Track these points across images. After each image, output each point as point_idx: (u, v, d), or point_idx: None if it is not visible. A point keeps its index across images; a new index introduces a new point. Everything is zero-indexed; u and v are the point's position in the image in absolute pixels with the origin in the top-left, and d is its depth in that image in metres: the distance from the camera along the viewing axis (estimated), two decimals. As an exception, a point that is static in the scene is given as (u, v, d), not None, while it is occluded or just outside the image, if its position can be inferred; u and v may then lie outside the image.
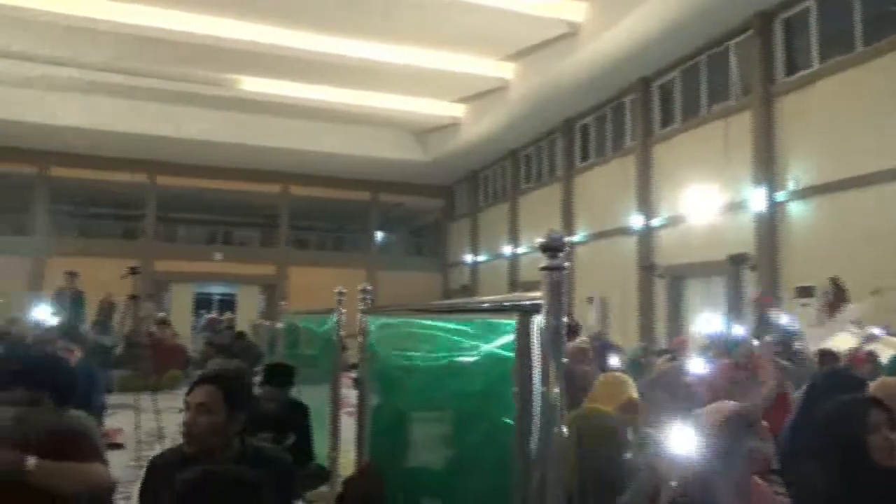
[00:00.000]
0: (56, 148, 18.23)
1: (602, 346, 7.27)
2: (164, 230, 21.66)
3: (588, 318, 13.08)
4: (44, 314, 9.47)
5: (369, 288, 3.38)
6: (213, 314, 18.57)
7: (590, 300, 13.83)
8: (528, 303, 1.53)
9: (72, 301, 11.68)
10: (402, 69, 13.37)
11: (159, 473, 2.17)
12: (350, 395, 3.68)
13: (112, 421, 6.61)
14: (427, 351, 2.40)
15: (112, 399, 7.31)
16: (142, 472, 4.53)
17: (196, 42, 12.15)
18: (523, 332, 1.57)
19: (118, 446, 5.74)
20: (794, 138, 9.49)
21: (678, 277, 11.95)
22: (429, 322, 2.41)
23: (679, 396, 4.11)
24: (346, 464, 3.67)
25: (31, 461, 1.86)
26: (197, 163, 19.49)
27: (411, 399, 2.61)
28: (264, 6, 11.33)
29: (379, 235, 24.01)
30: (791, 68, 9.76)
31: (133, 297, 6.22)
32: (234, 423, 2.18)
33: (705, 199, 10.82)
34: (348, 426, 3.69)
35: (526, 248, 16.93)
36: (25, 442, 1.97)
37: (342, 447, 3.84)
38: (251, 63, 13.42)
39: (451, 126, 16.96)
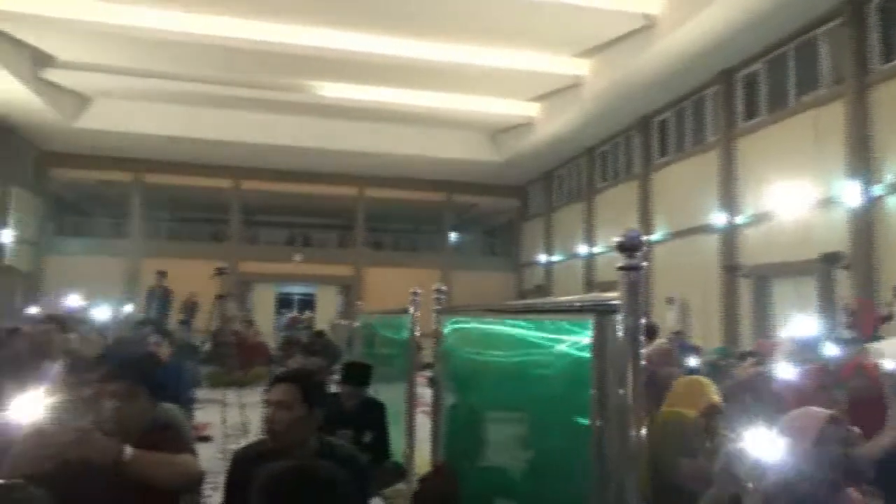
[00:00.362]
0: (150, 156, 19.34)
1: (679, 348, 7.06)
2: (248, 233, 22.58)
3: (667, 319, 12.70)
4: (103, 314, 9.88)
5: (443, 288, 3.41)
6: (294, 313, 19.14)
7: (669, 301, 13.41)
8: (604, 303, 1.51)
9: (160, 299, 12.37)
10: (476, 69, 13.41)
11: (242, 466, 2.27)
12: (425, 394, 3.72)
13: (201, 415, 6.93)
14: (501, 351, 2.39)
15: (200, 394, 7.67)
16: (228, 465, 4.72)
17: (277, 51, 12.59)
18: (600, 334, 1.55)
19: (206, 439, 6.00)
20: (891, 128, 8.89)
21: (764, 278, 11.42)
22: (503, 322, 2.40)
23: (766, 402, 3.93)
24: (422, 462, 3.71)
25: (129, 451, 1.98)
26: (278, 167, 20.21)
27: (486, 399, 2.61)
28: (341, 12, 11.60)
29: (453, 236, 24.14)
30: (887, 55, 9.16)
31: (220, 297, 6.49)
32: (313, 419, 2.25)
33: (794, 195, 10.29)
34: (423, 425, 3.72)
35: (602, 248, 16.61)
36: (124, 433, 2.10)
37: (418, 445, 3.88)
38: (329, 69, 13.78)
39: (525, 125, 16.85)
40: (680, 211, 13.72)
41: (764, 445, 2.01)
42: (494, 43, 12.51)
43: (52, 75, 14.35)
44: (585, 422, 1.59)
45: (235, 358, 6.99)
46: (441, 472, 2.79)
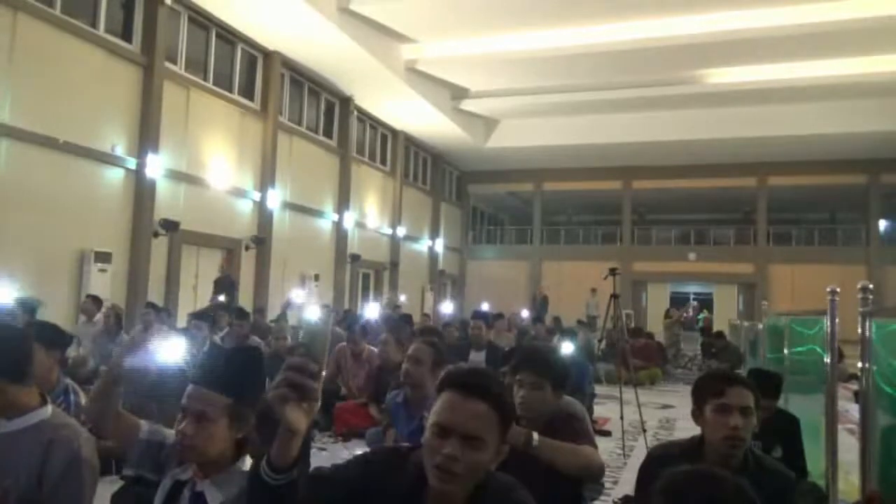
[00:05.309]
0: (547, 165, 21.03)
1: None
2: (639, 233, 22.68)
3: None
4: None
5: (870, 286, 2.90)
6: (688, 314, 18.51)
7: None
8: None
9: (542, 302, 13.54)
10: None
11: (659, 465, 2.22)
12: (850, 409, 3.22)
13: (601, 410, 7.21)
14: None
15: (600, 390, 7.99)
16: (626, 461, 4.81)
17: (662, 45, 12.39)
18: None
19: (606, 433, 6.21)
20: None
21: None
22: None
23: None
24: (849, 489, 3.21)
25: (536, 436, 2.17)
26: (669, 164, 19.87)
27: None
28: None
29: (882, 224, 20.23)
30: None
31: (614, 297, 6.66)
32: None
33: None
34: (848, 445, 3.24)
35: None
36: (531, 419, 2.32)
37: (841, 468, 3.37)
38: (719, 53, 12.99)
39: None
40: None
41: None
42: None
43: (467, 105, 16.73)
44: None
45: (629, 356, 7.08)
46: (875, 502, 2.37)
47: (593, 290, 16.90)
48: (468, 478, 1.31)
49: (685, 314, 13.71)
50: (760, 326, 7.91)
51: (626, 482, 4.35)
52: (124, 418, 1.82)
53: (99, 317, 7.43)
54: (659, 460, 2.18)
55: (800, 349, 4.84)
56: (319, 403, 1.18)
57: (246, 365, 1.67)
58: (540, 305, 16.74)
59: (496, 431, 1.35)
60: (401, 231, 18.00)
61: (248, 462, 1.63)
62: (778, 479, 2.02)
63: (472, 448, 1.30)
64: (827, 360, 3.58)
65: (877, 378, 2.69)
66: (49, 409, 1.94)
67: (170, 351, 1.92)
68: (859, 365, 2.83)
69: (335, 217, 14.87)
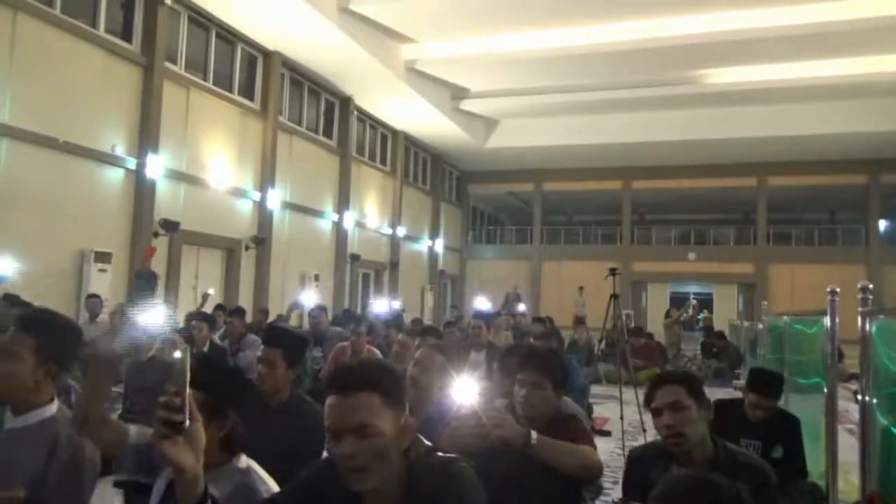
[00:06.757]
0: (547, 166, 21.03)
1: None
2: (639, 233, 22.68)
3: None
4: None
5: (870, 286, 2.90)
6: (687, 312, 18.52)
7: None
8: None
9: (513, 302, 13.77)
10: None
11: (637, 465, 2.25)
12: (850, 409, 3.22)
13: (601, 410, 7.22)
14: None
15: (600, 390, 7.99)
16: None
17: (662, 45, 12.39)
18: None
19: (606, 433, 6.21)
20: None
21: None
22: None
23: None
24: (848, 489, 3.22)
25: (535, 436, 2.17)
26: (669, 164, 19.88)
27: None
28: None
29: (882, 224, 20.24)
30: None
31: (614, 297, 6.66)
32: (702, 422, 2.12)
33: None
34: (848, 445, 3.24)
35: None
36: (532, 419, 2.32)
37: (841, 468, 3.38)
38: (719, 53, 12.99)
39: None
40: None
41: None
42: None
43: (467, 105, 16.73)
44: None
45: (628, 356, 7.08)
46: (875, 503, 2.37)
47: (580, 289, 16.98)
48: (378, 465, 1.31)
49: (685, 312, 13.74)
50: (760, 326, 7.91)
51: (626, 482, 4.34)
52: (114, 425, 1.80)
53: (103, 317, 7.43)
54: (638, 461, 2.24)
55: (800, 347, 4.84)
56: (203, 439, 1.15)
57: (214, 363, 1.69)
58: (511, 305, 16.74)
59: (384, 409, 1.34)
60: (401, 231, 18.00)
61: (243, 460, 1.64)
62: (752, 474, 2.00)
63: (365, 436, 1.30)
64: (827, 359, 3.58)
65: (876, 377, 2.70)
66: (55, 405, 1.90)
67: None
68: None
69: (335, 217, 14.87)
